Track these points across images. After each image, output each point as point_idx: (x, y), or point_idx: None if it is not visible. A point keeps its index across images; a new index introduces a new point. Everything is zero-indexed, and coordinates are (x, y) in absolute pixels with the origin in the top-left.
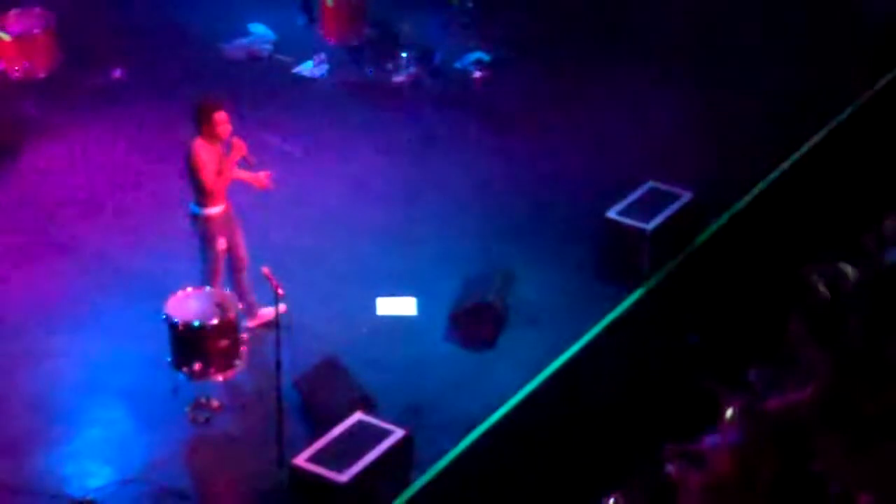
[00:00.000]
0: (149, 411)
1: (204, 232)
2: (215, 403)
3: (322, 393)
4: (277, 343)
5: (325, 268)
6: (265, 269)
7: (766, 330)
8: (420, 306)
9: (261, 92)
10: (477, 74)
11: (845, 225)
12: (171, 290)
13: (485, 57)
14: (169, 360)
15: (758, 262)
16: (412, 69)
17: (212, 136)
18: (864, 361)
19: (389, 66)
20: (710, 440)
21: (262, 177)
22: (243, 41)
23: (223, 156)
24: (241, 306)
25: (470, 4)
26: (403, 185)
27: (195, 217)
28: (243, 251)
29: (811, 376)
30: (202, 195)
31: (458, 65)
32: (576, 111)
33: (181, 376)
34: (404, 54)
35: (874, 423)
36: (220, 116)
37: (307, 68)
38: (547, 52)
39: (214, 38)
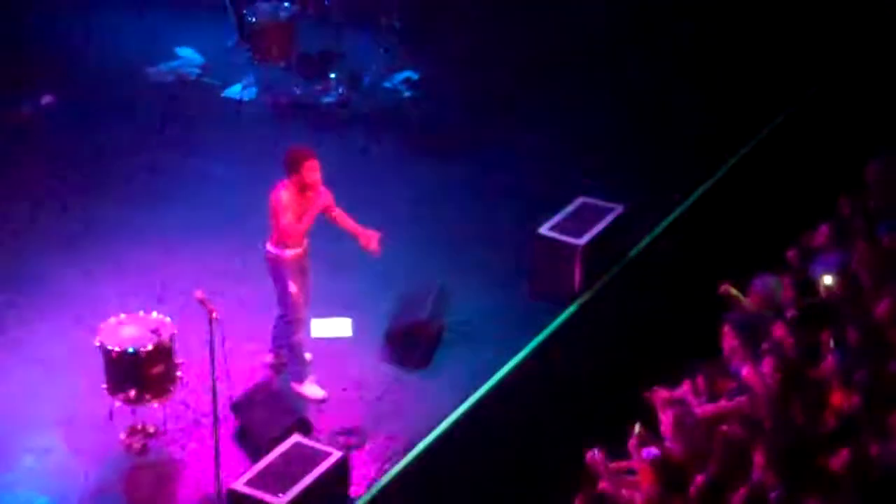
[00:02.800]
0: (85, 440)
1: (276, 272)
2: (151, 429)
3: (259, 416)
4: (212, 367)
5: (260, 290)
6: (198, 293)
7: (699, 341)
8: (355, 326)
9: (189, 116)
10: (407, 93)
11: (772, 238)
12: (106, 317)
13: (414, 76)
14: (104, 386)
15: (690, 275)
16: (341, 90)
17: (300, 184)
18: (798, 373)
19: (318, 87)
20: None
21: (371, 235)
22: (171, 65)
23: (308, 204)
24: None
25: (397, 24)
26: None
27: (270, 256)
28: (307, 298)
29: (742, 386)
30: (279, 237)
31: (387, 84)
32: (506, 127)
33: (117, 403)
34: (333, 75)
35: (807, 436)
36: (311, 165)
37: (235, 91)
38: (476, 68)
39: (142, 63)
